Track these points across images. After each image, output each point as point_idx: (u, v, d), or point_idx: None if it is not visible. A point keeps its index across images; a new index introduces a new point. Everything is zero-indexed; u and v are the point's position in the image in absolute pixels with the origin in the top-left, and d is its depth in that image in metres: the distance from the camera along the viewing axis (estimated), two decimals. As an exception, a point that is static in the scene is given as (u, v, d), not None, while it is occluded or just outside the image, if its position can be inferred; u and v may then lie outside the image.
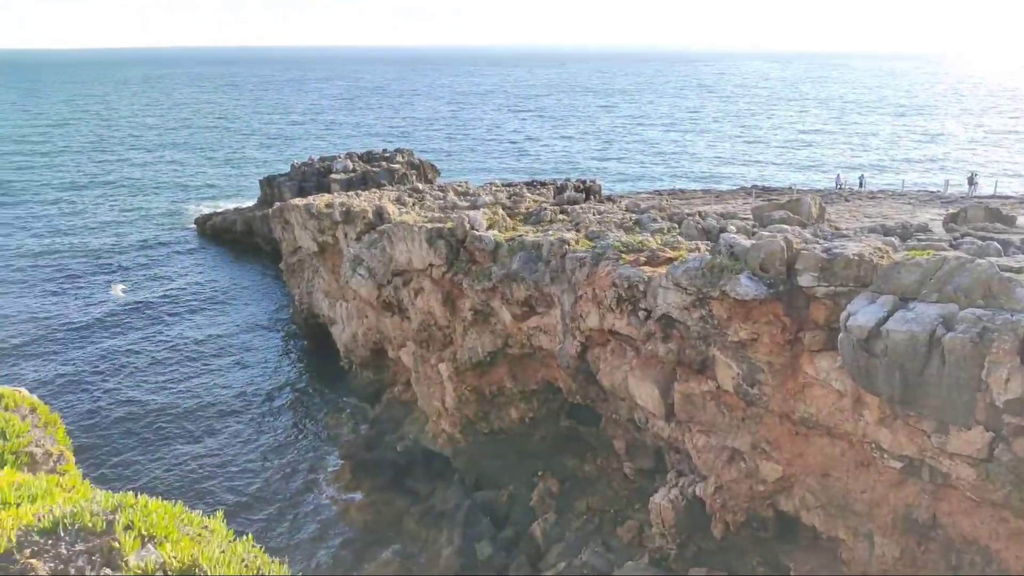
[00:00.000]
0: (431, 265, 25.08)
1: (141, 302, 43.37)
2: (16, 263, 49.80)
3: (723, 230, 20.80)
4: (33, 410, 8.35)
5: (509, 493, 23.47)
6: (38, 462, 7.25)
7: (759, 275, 15.52)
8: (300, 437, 29.82)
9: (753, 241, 16.44)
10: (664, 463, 20.61)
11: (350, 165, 54.00)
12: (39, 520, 4.89)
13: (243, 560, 3.72)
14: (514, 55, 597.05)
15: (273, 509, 24.90)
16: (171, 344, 37.94)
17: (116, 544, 3.79)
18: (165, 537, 3.86)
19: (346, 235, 32.23)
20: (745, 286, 15.36)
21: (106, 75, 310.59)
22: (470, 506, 22.80)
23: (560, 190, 39.77)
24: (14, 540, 4.16)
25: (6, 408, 8.09)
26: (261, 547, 4.12)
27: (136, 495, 4.42)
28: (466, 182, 41.45)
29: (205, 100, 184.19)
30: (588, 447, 23.73)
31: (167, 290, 45.65)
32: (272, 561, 3.88)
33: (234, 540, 4.20)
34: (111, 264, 50.37)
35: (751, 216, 25.44)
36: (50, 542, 3.98)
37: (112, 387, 33.20)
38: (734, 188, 54.40)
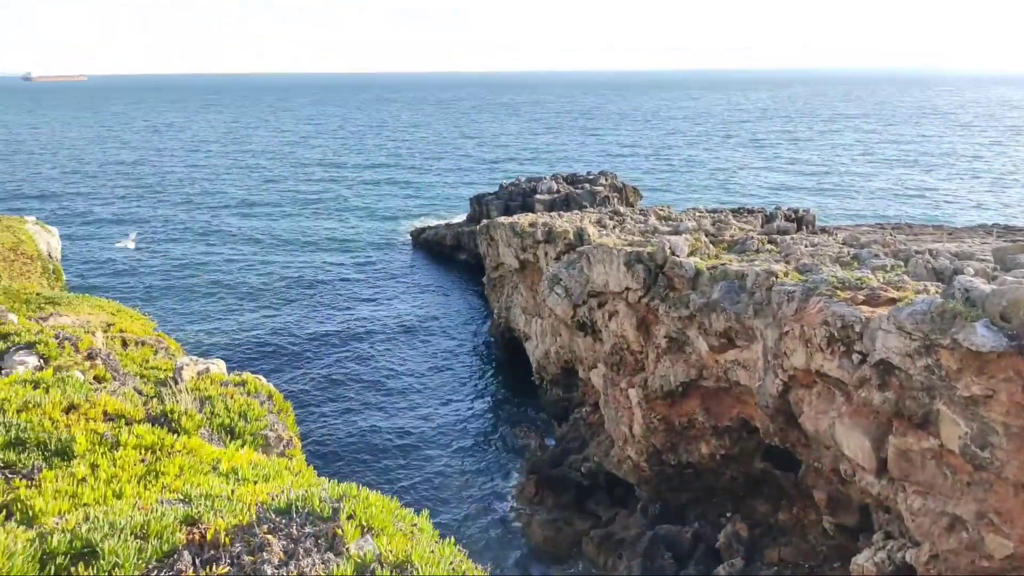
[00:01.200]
0: (627, 289, 24.94)
1: (363, 298, 47.61)
2: (249, 273, 56.06)
3: (958, 271, 18.79)
4: (269, 397, 9.35)
5: (694, 531, 22.64)
6: (271, 445, 8.09)
7: (999, 325, 13.81)
8: (489, 446, 30.81)
9: (994, 286, 14.68)
10: (870, 522, 18.87)
11: (554, 186, 55.29)
12: (273, 499, 5.45)
13: (450, 562, 3.90)
14: (727, 80, 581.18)
15: (459, 513, 25.89)
16: (380, 337, 41.29)
17: (339, 531, 4.13)
18: (381, 530, 4.15)
19: (546, 254, 32.97)
20: (982, 336, 13.74)
21: (344, 98, 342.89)
22: (652, 538, 22.27)
23: (769, 219, 38.04)
24: (254, 515, 4.66)
25: (248, 393, 9.12)
26: (464, 551, 4.30)
27: (358, 487, 4.78)
28: (668, 207, 40.89)
29: (423, 123, 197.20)
30: (784, 494, 22.31)
31: (382, 291, 49.69)
32: (476, 566, 4.03)
33: (439, 540, 4.42)
34: (337, 264, 55.43)
35: (991, 258, 22.76)
36: (284, 521, 4.40)
37: (325, 373, 36.36)
38: (971, 225, 49.00)
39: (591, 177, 58.82)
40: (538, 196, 53.06)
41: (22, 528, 5.47)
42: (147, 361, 13.59)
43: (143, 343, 14.93)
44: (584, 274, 28.12)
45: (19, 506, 5.90)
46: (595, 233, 30.06)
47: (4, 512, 5.97)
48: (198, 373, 9.67)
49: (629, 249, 25.44)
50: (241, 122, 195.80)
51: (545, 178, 58.38)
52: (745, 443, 23.28)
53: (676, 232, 28.44)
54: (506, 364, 38.60)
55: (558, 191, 54.35)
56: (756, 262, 22.37)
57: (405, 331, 43.31)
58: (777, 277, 20.10)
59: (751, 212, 42.02)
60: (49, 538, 4.95)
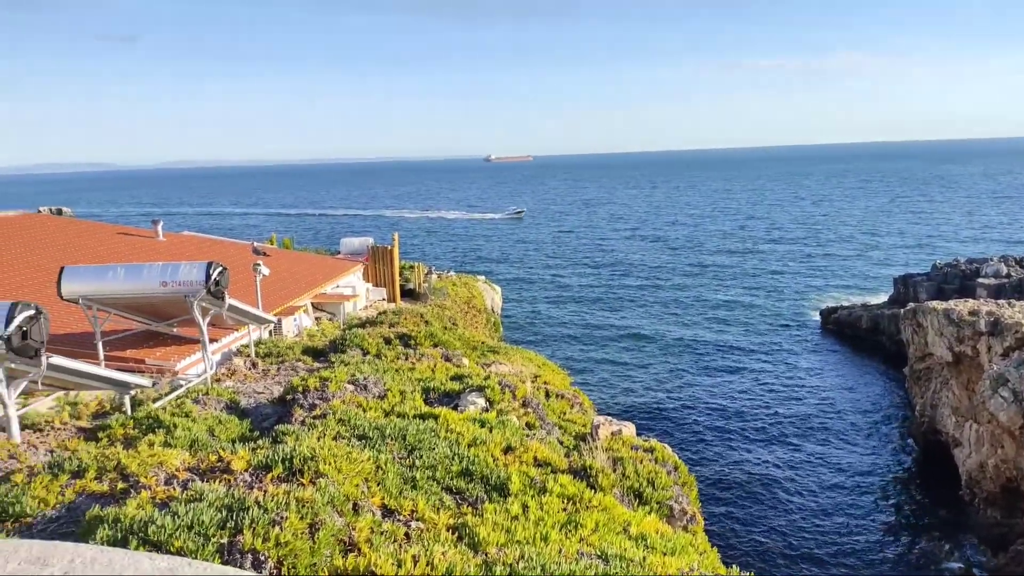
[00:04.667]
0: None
1: (764, 377, 46.02)
2: (652, 338, 58.01)
3: None
4: (675, 468, 9.54)
5: None
6: (675, 517, 8.21)
7: None
8: (900, 564, 26.93)
9: None
10: None
11: (1003, 269, 47.30)
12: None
13: None
14: None
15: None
16: (782, 421, 39.09)
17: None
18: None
19: (990, 348, 28.17)
20: None
21: (740, 173, 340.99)
22: None
23: None
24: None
25: (656, 460, 9.43)
26: None
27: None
28: None
29: (844, 195, 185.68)
30: None
31: (786, 371, 47.33)
32: None
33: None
34: (740, 339, 54.65)
35: None
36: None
37: (720, 451, 35.69)
38: None
39: (1056, 261, 48.99)
40: (981, 280, 45.85)
41: (469, 552, 6.38)
42: (564, 413, 14.91)
43: (562, 396, 16.43)
44: (1043, 378, 23.31)
45: (467, 531, 6.90)
46: (1062, 330, 24.83)
47: (456, 533, 7.04)
48: (612, 433, 10.30)
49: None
50: (656, 197, 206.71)
51: (991, 260, 50.28)
52: None
53: None
54: (927, 471, 33.58)
55: (1008, 275, 46.31)
56: None
57: (810, 418, 40.55)
58: None
59: None
60: (492, 567, 5.69)
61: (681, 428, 39.11)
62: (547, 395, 15.95)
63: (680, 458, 11.15)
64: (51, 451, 10.86)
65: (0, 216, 31.09)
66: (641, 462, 9.21)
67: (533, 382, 17.01)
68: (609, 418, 11.14)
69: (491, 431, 9.87)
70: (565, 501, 7.49)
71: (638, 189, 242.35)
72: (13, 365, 10.48)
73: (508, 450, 9.12)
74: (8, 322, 9.99)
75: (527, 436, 10.17)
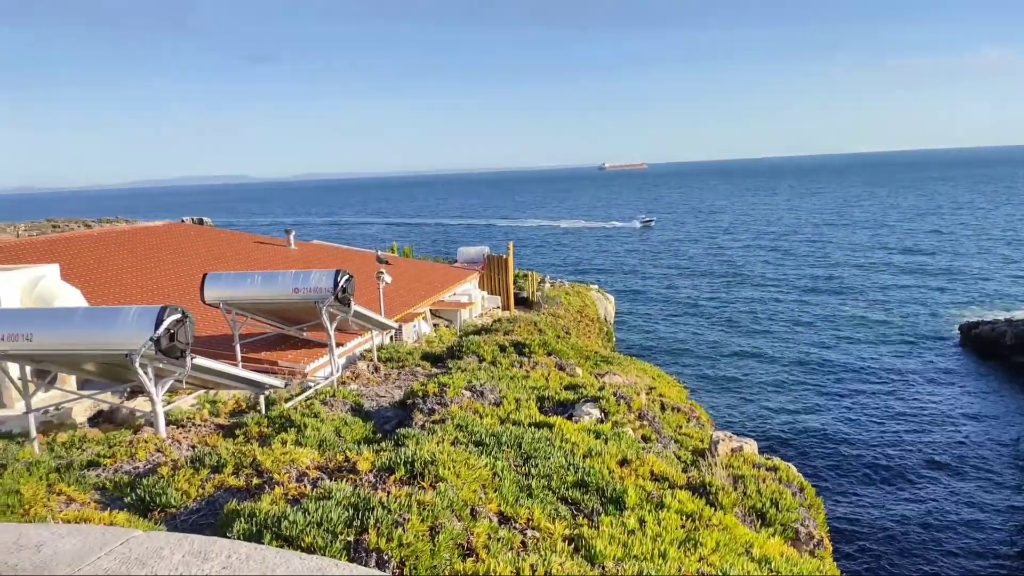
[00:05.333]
0: None
1: (898, 395, 43.31)
2: (775, 352, 55.78)
3: None
4: (801, 489, 9.13)
5: None
6: (800, 540, 7.85)
7: None
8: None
9: None
10: None
11: None
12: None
13: None
14: None
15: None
16: (913, 448, 36.53)
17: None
18: None
19: None
20: None
21: (872, 179, 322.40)
22: None
23: None
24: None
25: (780, 480, 9.06)
26: None
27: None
28: None
29: (986, 204, 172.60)
30: None
31: (922, 389, 44.39)
32: None
33: None
34: (871, 354, 51.68)
35: None
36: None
37: (852, 475, 33.78)
38: None
39: None
40: None
41: (586, 564, 6.35)
42: (680, 427, 14.59)
43: (677, 409, 16.09)
44: None
45: (583, 543, 6.87)
46: None
47: (572, 544, 7.02)
48: (732, 450, 9.99)
49: None
50: (777, 204, 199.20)
51: None
52: None
53: None
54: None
55: None
56: None
57: (946, 446, 37.77)
58: None
59: None
60: (610, 580, 5.63)
61: (802, 452, 37.37)
62: (662, 408, 15.67)
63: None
64: (193, 446, 11.66)
65: (148, 226, 33.79)
66: (764, 481, 8.88)
67: (648, 394, 16.76)
68: (729, 434, 10.81)
69: (606, 442, 9.79)
70: (683, 518, 7.32)
71: (757, 196, 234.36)
72: (161, 365, 11.34)
73: (624, 462, 9.02)
74: (158, 325, 10.82)
75: (643, 449, 10.02)
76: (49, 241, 27.51)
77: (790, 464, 9.80)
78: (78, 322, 11.36)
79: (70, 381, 15.03)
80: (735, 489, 8.39)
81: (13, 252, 23.49)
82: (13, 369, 12.30)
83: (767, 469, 9.33)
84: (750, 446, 10.54)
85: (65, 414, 14.06)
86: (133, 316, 10.97)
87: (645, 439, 10.66)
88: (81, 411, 14.40)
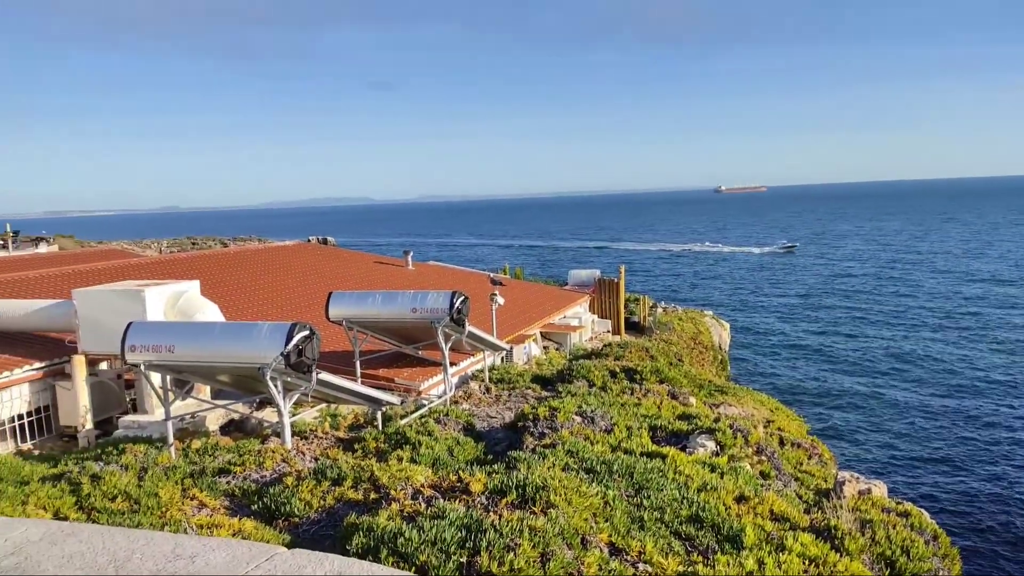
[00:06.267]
0: None
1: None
2: (902, 390, 52.36)
3: None
4: (935, 537, 8.50)
5: None
6: (938, 594, 7.33)
7: None
8: None
9: None
10: None
11: None
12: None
13: None
14: None
15: None
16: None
17: None
18: None
19: None
20: None
21: (1012, 204, 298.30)
22: None
23: None
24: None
25: (911, 527, 8.48)
26: None
27: None
28: None
29: None
30: None
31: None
32: None
33: None
34: (1000, 396, 47.65)
35: None
36: None
37: (991, 528, 31.14)
38: None
39: None
40: None
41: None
42: (801, 464, 13.93)
43: (798, 445, 15.38)
44: None
45: (698, 580, 6.65)
46: None
47: (686, 581, 6.83)
48: (859, 492, 9.44)
49: None
50: (907, 230, 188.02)
51: None
52: None
53: None
54: None
55: None
56: None
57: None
58: None
59: None
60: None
61: (933, 489, 34.77)
62: (781, 442, 15.02)
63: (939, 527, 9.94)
64: (315, 458, 12.17)
65: (279, 245, 35.78)
66: (894, 527, 8.32)
67: (766, 427, 16.13)
68: (856, 474, 10.22)
69: (722, 477, 9.49)
70: (806, 562, 6.97)
71: (885, 221, 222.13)
72: (289, 379, 11.94)
73: (741, 499, 8.71)
74: (288, 341, 11.41)
75: (761, 486, 9.63)
76: (190, 258, 29.63)
77: (923, 511, 9.16)
78: (216, 336, 12.15)
79: (205, 391, 16.06)
80: (863, 534, 7.92)
81: (158, 268, 25.47)
82: (156, 378, 13.28)
83: (898, 514, 8.75)
84: (879, 488, 9.92)
85: (200, 422, 15.02)
86: (266, 332, 11.62)
87: (763, 475, 10.24)
88: (214, 419, 15.35)
